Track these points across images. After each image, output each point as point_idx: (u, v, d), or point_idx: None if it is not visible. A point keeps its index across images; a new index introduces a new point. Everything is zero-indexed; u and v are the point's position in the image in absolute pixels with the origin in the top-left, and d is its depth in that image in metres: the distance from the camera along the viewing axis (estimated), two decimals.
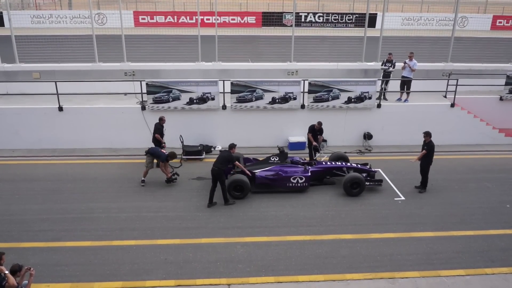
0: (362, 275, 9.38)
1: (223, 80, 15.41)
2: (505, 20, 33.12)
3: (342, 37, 24.56)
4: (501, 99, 17.33)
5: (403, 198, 12.64)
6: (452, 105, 16.42)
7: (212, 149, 15.60)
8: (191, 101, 15.20)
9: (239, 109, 15.52)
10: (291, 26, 18.67)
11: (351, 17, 29.99)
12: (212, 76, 16.46)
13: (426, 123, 16.14)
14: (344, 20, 30.09)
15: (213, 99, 15.28)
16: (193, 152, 14.85)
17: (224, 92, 15.42)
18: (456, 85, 16.20)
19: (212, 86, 15.20)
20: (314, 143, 14.12)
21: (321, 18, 30.11)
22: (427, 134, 12.67)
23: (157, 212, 11.58)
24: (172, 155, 12.83)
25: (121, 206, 11.79)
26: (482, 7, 35.10)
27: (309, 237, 10.65)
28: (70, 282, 8.97)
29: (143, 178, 12.99)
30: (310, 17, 29.87)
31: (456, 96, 16.37)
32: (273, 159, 13.21)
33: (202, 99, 15.23)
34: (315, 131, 14.19)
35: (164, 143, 13.85)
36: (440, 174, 13.90)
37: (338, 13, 30.28)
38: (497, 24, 33.01)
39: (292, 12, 20.41)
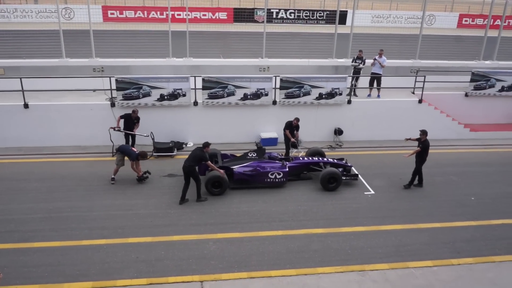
0: (333, 269, 9.51)
1: (195, 76, 15.31)
2: (471, 19, 34.00)
3: (313, 34, 24.75)
4: (466, 95, 17.86)
5: (372, 192, 12.87)
6: (420, 101, 16.81)
7: (184, 145, 15.49)
8: (162, 98, 15.03)
9: (210, 105, 15.45)
10: (263, 22, 18.72)
11: (322, 14, 30.22)
12: (183, 72, 16.33)
13: (395, 118, 16.58)
14: (315, 17, 30.31)
15: (184, 95, 15.16)
16: (164, 149, 14.70)
17: (195, 88, 15.32)
18: (424, 81, 16.60)
19: (183, 82, 15.07)
20: (292, 139, 14.21)
21: (292, 14, 30.22)
22: (424, 133, 12.79)
23: (127, 210, 11.42)
24: (143, 154, 12.68)
25: (91, 205, 11.57)
26: (449, 6, 35.94)
27: (281, 232, 10.73)
28: (38, 283, 8.75)
29: (113, 176, 12.78)
30: (282, 14, 29.94)
31: (423, 92, 16.77)
32: (250, 155, 13.24)
33: (173, 96, 15.09)
34: (292, 127, 14.29)
35: (119, 128, 13.84)
36: (409, 168, 14.16)
37: (309, 10, 30.45)
38: (463, 22, 33.85)
39: (263, 8, 20.40)
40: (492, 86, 17.77)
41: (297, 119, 14.25)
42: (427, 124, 15.40)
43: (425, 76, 16.63)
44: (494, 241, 10.74)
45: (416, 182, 13.27)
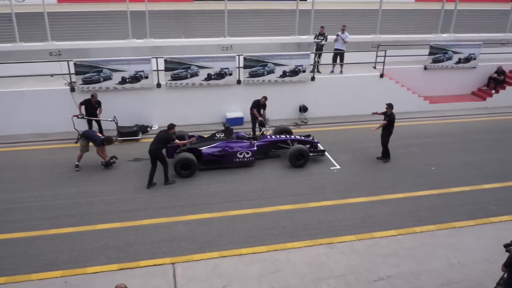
0: (303, 243, 9.74)
1: (156, 58, 15.03)
2: None
3: (275, 11, 24.54)
4: (425, 68, 18.33)
5: (338, 167, 13.15)
6: (381, 76, 17.14)
7: (149, 129, 15.28)
8: (123, 81, 14.71)
9: (174, 87, 15.25)
10: (224, 0, 18.42)
11: None
12: (145, 54, 15.96)
13: (358, 93, 16.86)
14: None
15: (146, 77, 14.88)
16: (129, 133, 14.46)
17: (158, 70, 15.07)
18: (385, 56, 16.90)
19: (145, 64, 14.78)
20: (260, 118, 14.24)
21: None
22: (389, 106, 13.07)
23: (94, 197, 11.24)
24: (109, 140, 12.44)
25: (55, 193, 11.32)
26: None
27: (251, 211, 10.85)
28: (5, 275, 8.55)
29: (77, 163, 12.50)
30: None
31: (384, 67, 17.09)
32: (218, 136, 13.21)
33: (135, 78, 14.79)
34: (260, 105, 14.30)
35: (83, 114, 13.49)
36: (372, 141, 14.51)
37: None
38: None
39: None
40: (449, 58, 18.29)
41: (265, 98, 14.27)
42: (388, 98, 15.73)
43: (385, 51, 16.92)
44: (454, 208, 11.23)
45: (380, 155, 13.62)
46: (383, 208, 11.16)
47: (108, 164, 12.62)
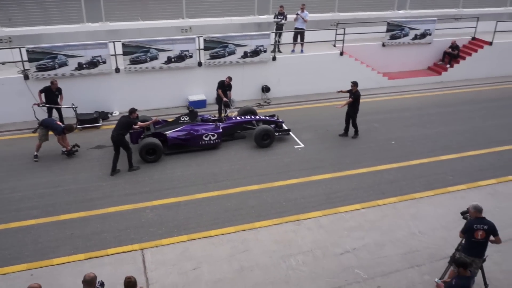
0: (270, 222, 9.89)
1: (113, 42, 14.62)
2: None
3: None
4: (383, 45, 18.67)
5: (302, 145, 13.33)
6: (341, 54, 17.35)
7: (109, 115, 14.95)
8: (80, 66, 14.26)
9: (133, 71, 14.92)
10: None
11: None
12: (101, 38, 15.44)
13: (319, 72, 17.03)
14: None
15: (104, 62, 14.48)
16: (89, 120, 14.10)
17: (115, 55, 14.69)
18: (344, 34, 17.08)
19: (102, 48, 14.35)
20: (225, 99, 14.17)
21: None
22: (354, 84, 13.25)
23: (56, 187, 10.97)
24: (69, 127, 12.09)
25: (14, 186, 10.97)
26: None
27: (218, 193, 10.90)
28: None
29: (35, 153, 12.12)
30: None
31: (344, 45, 17.29)
32: (183, 119, 13.07)
33: (93, 63, 14.37)
34: (225, 86, 14.21)
35: (43, 102, 13.12)
36: (335, 119, 14.78)
37: None
38: None
39: None
40: (406, 35, 18.69)
41: (230, 78, 14.19)
42: (349, 76, 16.03)
43: (344, 29, 17.10)
44: (414, 179, 11.66)
45: (342, 132, 13.90)
46: (346, 183, 11.45)
47: (70, 153, 12.30)
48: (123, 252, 8.91)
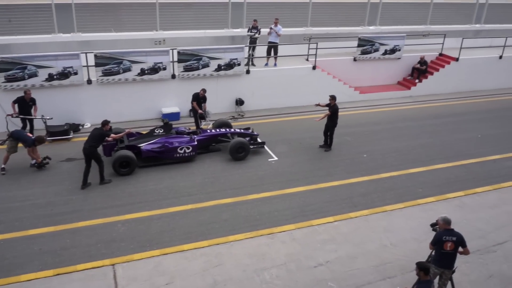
0: (244, 235, 9.87)
1: (86, 53, 14.44)
2: None
3: (207, 3, 24.31)
4: (354, 59, 19.08)
5: (276, 158, 13.41)
6: (314, 68, 17.63)
7: (80, 127, 14.70)
8: (50, 77, 14.01)
9: (106, 82, 14.75)
10: None
11: None
12: (73, 49, 15.23)
13: (292, 85, 17.25)
14: None
15: (76, 73, 14.27)
16: (59, 132, 13.82)
17: (87, 66, 14.49)
18: (316, 48, 17.39)
19: (74, 59, 14.17)
20: (200, 111, 14.15)
21: None
22: (332, 98, 13.49)
23: (24, 201, 10.66)
24: (40, 139, 11.82)
25: None
26: None
27: (191, 206, 10.82)
28: None
29: (3, 165, 11.78)
30: None
31: (316, 59, 17.59)
32: (157, 131, 12.95)
33: (64, 74, 14.14)
34: (199, 98, 14.19)
35: (17, 113, 12.85)
36: (308, 132, 14.98)
37: None
38: None
39: None
40: (376, 50, 19.17)
41: (204, 90, 14.20)
42: (321, 89, 16.34)
43: (317, 43, 17.41)
44: (385, 192, 11.87)
45: (322, 144, 14.13)
46: (320, 196, 11.55)
47: (41, 165, 12.02)
48: (93, 267, 8.71)
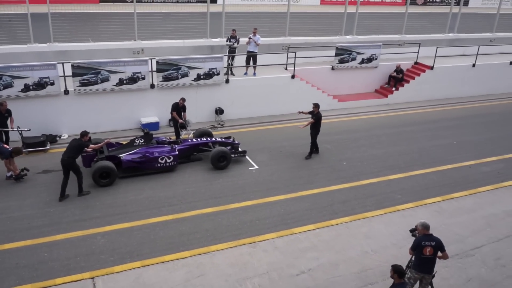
0: (226, 245, 9.83)
1: (63, 63, 14.25)
2: None
3: (185, 13, 24.37)
4: (332, 68, 19.33)
5: (256, 167, 13.43)
6: (293, 77, 17.78)
7: (58, 138, 14.46)
8: (26, 88, 13.78)
9: (83, 93, 14.58)
10: (132, 2, 17.92)
11: None
12: (49, 59, 15.00)
13: (271, 94, 17.35)
14: None
15: (52, 84, 14.06)
16: (36, 144, 13.56)
17: (64, 76, 14.30)
18: (295, 57, 17.55)
19: (50, 69, 13.96)
20: (180, 121, 14.09)
21: None
22: (316, 106, 13.68)
23: None
24: (17, 151, 11.59)
25: None
26: None
27: (172, 217, 10.73)
28: None
29: None
30: None
31: (295, 68, 17.75)
32: (138, 142, 12.83)
33: (40, 85, 13.92)
34: (179, 108, 14.14)
35: None
36: (287, 140, 15.07)
37: None
38: None
39: None
40: (354, 59, 19.47)
41: (183, 99, 14.19)
42: (300, 98, 16.48)
43: (295, 53, 17.58)
44: (365, 199, 12.00)
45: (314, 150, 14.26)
46: (300, 204, 11.61)
47: (19, 177, 11.78)
48: (73, 281, 8.54)
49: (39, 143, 13.61)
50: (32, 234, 9.78)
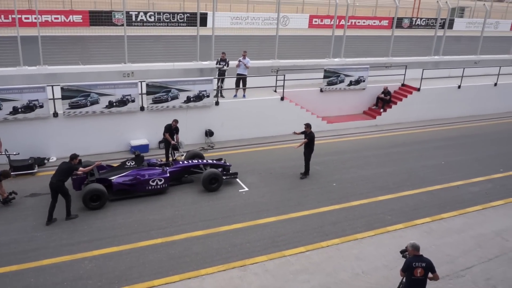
0: (216, 268, 9.73)
1: (52, 86, 14.23)
2: (320, 19, 37.09)
3: (175, 36, 24.64)
4: (321, 90, 19.55)
5: (246, 189, 13.41)
6: (282, 99, 17.93)
7: (46, 161, 14.33)
8: (15, 111, 13.69)
9: (73, 115, 14.53)
10: (122, 25, 18.08)
11: (183, 16, 30.20)
12: (38, 82, 14.99)
13: (261, 116, 17.44)
14: (176, 19, 30.14)
15: (41, 106, 14.01)
16: (23, 167, 13.41)
17: (54, 99, 14.26)
18: (284, 80, 17.74)
19: (40, 92, 13.91)
20: (173, 142, 14.10)
21: (152, 17, 29.62)
22: (307, 126, 13.88)
23: None
24: (6, 174, 11.48)
25: None
26: (300, 7, 38.67)
27: (161, 240, 10.61)
28: None
29: None
30: (141, 16, 29.18)
31: (284, 90, 17.93)
32: (129, 164, 12.75)
33: (29, 107, 13.85)
34: (172, 130, 14.16)
35: None
36: (277, 162, 15.11)
37: (169, 12, 30.14)
38: (313, 22, 36.77)
39: (122, 11, 19.76)
40: (342, 81, 19.73)
41: (176, 121, 14.23)
42: (290, 120, 16.58)
43: (284, 75, 17.78)
44: (355, 220, 12.01)
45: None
46: (291, 226, 11.57)
47: (7, 201, 11.62)
48: None
49: (26, 166, 13.46)
50: (18, 259, 9.60)
